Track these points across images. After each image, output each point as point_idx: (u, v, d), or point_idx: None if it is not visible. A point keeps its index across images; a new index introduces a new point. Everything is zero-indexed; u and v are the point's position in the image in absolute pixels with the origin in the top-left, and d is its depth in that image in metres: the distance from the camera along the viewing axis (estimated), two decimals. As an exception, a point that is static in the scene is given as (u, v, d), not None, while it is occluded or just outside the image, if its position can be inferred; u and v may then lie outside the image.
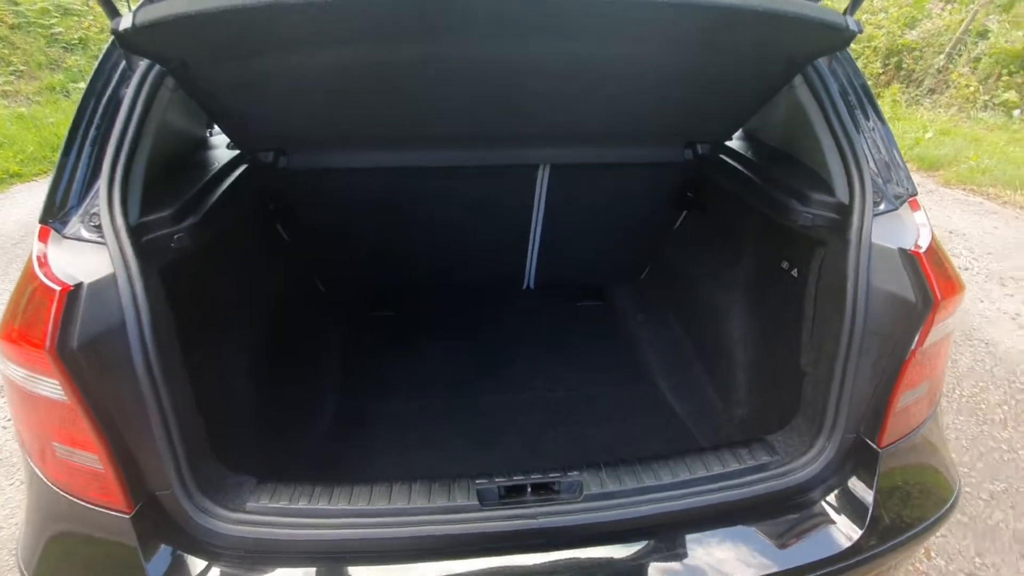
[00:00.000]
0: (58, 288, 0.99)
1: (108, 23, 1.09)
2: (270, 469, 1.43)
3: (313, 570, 1.03)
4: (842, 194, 1.27)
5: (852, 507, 1.14)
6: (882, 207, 1.23)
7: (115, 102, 1.21)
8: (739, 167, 1.69)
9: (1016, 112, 6.28)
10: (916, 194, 1.27)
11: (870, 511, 1.13)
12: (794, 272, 1.51)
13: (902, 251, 1.15)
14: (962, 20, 6.96)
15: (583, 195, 2.01)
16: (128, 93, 1.19)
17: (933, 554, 1.96)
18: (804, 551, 1.10)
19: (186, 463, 1.06)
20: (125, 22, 0.95)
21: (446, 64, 1.23)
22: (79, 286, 1.00)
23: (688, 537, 1.11)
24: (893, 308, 1.14)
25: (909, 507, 1.19)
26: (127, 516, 1.03)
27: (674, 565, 1.09)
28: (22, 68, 7.06)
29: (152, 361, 1.01)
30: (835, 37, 1.11)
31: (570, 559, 1.07)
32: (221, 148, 1.64)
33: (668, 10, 1.00)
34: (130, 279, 1.01)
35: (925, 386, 1.20)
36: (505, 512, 1.08)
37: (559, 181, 1.93)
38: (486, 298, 2.40)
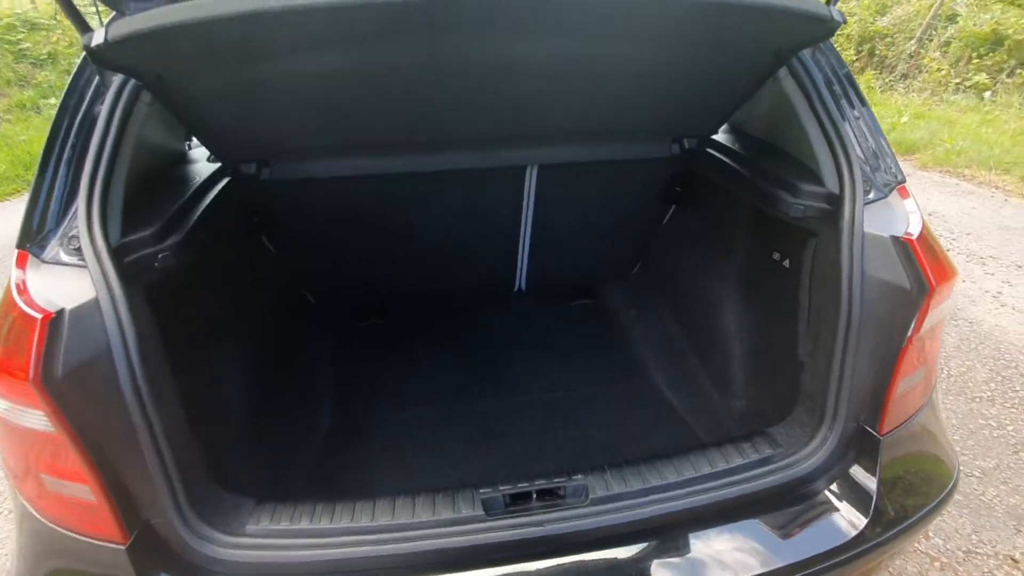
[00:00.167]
0: (39, 316, 0.95)
1: (78, 37, 1.05)
2: (268, 487, 1.40)
3: None
4: (832, 184, 1.27)
5: (856, 496, 1.15)
6: (872, 195, 1.23)
7: (90, 119, 1.17)
8: (727, 160, 1.69)
9: (987, 94, 6.41)
10: (904, 181, 1.28)
11: (874, 499, 1.13)
12: (786, 263, 1.52)
13: (894, 239, 1.16)
14: (931, 5, 7.08)
15: (572, 194, 2.00)
16: (103, 110, 1.15)
17: (931, 534, 1.99)
18: (811, 542, 1.10)
19: (181, 488, 1.03)
20: (97, 38, 0.92)
21: (429, 68, 1.21)
22: (61, 313, 0.96)
23: (696, 535, 1.11)
24: (888, 296, 1.14)
25: (911, 493, 1.20)
26: (122, 547, 0.99)
27: (683, 564, 1.09)
28: (-10, 86, 6.89)
29: (141, 386, 0.98)
30: (819, 28, 1.11)
31: (579, 564, 1.06)
32: (202, 161, 1.61)
33: (655, 7, 0.99)
34: (114, 303, 0.98)
35: (922, 371, 1.21)
36: (511, 521, 1.06)
37: (547, 181, 1.92)
38: (478, 302, 2.38)
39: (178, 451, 1.04)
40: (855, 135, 1.30)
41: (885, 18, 7.53)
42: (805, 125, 1.35)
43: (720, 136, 1.82)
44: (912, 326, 1.12)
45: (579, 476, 1.15)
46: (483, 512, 1.08)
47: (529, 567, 1.05)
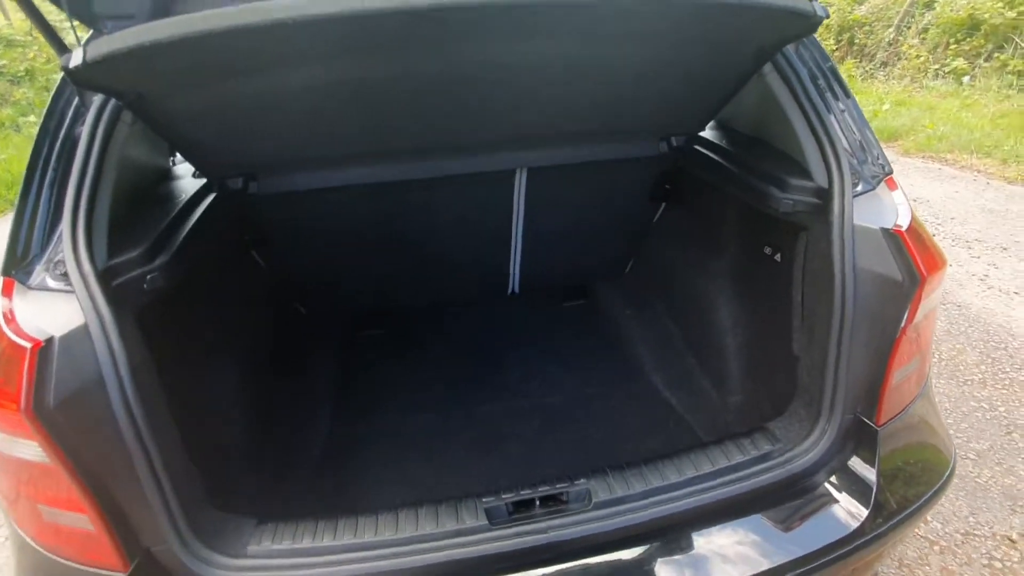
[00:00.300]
0: (28, 345, 0.94)
1: (55, 54, 1.04)
2: (270, 505, 1.39)
3: None
4: (820, 178, 1.28)
5: (856, 487, 1.16)
6: (860, 188, 1.24)
7: (71, 141, 1.15)
8: (715, 157, 1.70)
9: (966, 78, 6.49)
10: (892, 172, 1.29)
11: (874, 490, 1.14)
12: (777, 257, 1.53)
13: (884, 231, 1.17)
14: (907, -8, 7.16)
15: (561, 195, 2.00)
16: (84, 130, 1.13)
17: (929, 518, 2.01)
18: (815, 536, 1.11)
19: (180, 513, 1.02)
20: (75, 58, 0.90)
21: (415, 76, 1.20)
22: (50, 341, 0.95)
23: (700, 534, 1.11)
24: (880, 288, 1.15)
25: (910, 481, 1.22)
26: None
27: (689, 563, 1.09)
28: (-34, 105, 6.79)
29: (135, 412, 0.97)
30: (802, 24, 1.12)
31: (585, 569, 1.06)
32: (187, 177, 1.59)
33: (640, 9, 0.99)
34: (103, 328, 0.97)
35: (916, 361, 1.22)
36: (515, 529, 1.06)
37: (536, 184, 1.92)
38: (472, 307, 2.38)
39: (176, 475, 1.02)
40: (841, 128, 1.31)
41: (863, 7, 7.61)
42: (791, 120, 1.36)
43: (707, 133, 1.82)
44: (905, 317, 1.13)
45: (581, 480, 1.15)
46: (487, 521, 1.07)
47: (535, 575, 1.04)
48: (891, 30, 7.22)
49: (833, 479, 1.18)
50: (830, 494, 1.16)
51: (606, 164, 1.86)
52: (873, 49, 7.38)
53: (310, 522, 1.11)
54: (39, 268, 1.04)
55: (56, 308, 1.00)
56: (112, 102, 1.16)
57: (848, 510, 1.13)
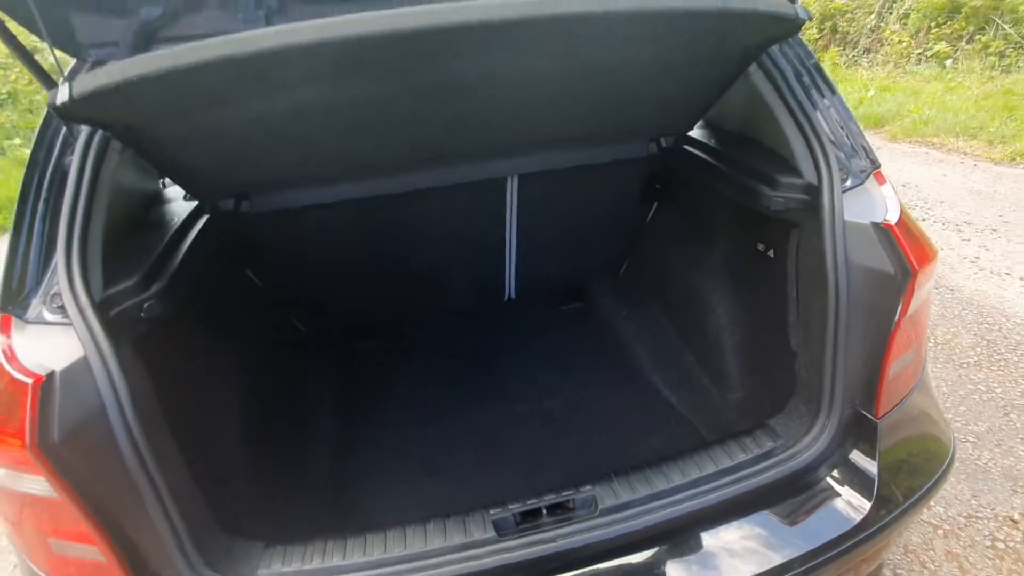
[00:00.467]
0: (30, 380, 0.94)
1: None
2: (277, 527, 1.39)
3: None
4: (809, 175, 1.29)
5: (858, 480, 1.17)
6: (849, 183, 1.26)
7: (61, 172, 1.15)
8: (704, 156, 1.71)
9: (948, 62, 6.54)
10: (880, 166, 1.31)
11: (876, 482, 1.15)
12: (770, 253, 1.54)
13: (875, 225, 1.18)
14: (887, -22, 7.21)
15: (553, 200, 2.01)
16: (74, 161, 1.13)
17: (932, 503, 2.03)
18: (820, 530, 1.12)
19: (189, 539, 1.02)
20: (62, 95, 0.90)
21: (401, 93, 1.21)
22: (51, 375, 0.95)
23: (707, 534, 1.12)
24: (873, 282, 1.16)
25: (911, 471, 1.23)
26: (135, 604, 0.99)
27: (697, 564, 1.10)
28: (-53, 130, 6.73)
29: (138, 441, 0.97)
30: (786, 26, 1.14)
31: (595, 575, 1.07)
32: (178, 200, 1.58)
33: (623, 18, 1.00)
34: (103, 359, 0.97)
35: (912, 352, 1.24)
36: (524, 540, 1.07)
37: (528, 190, 1.93)
38: (469, 315, 2.38)
39: (182, 502, 1.03)
40: (827, 124, 1.32)
41: (844, -6, 7.66)
42: (778, 117, 1.37)
43: (696, 132, 1.84)
44: (899, 310, 1.14)
45: (587, 487, 1.16)
46: (495, 533, 1.08)
47: None
48: (872, 16, 7.27)
49: (835, 473, 1.19)
50: (833, 488, 1.17)
51: (596, 167, 1.87)
52: (856, 36, 7.42)
53: (319, 542, 1.11)
54: (35, 302, 1.04)
55: (55, 341, 1.00)
56: (100, 131, 1.16)
57: (851, 503, 1.14)
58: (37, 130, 1.22)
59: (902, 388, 1.24)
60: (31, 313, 1.03)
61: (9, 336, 1.02)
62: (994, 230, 3.82)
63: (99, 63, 1.26)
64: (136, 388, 0.99)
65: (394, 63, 1.06)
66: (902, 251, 1.14)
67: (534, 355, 2.18)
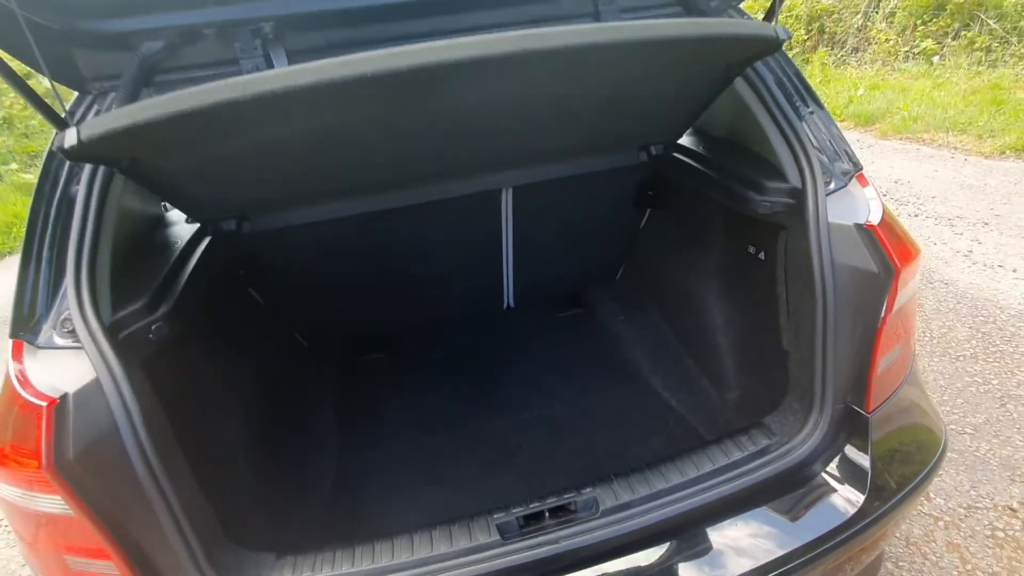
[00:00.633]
0: (44, 404, 0.97)
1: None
2: (287, 538, 1.41)
3: None
4: (794, 179, 1.33)
5: (852, 474, 1.20)
6: (832, 186, 1.30)
7: (67, 201, 1.18)
8: (693, 163, 1.75)
9: (936, 58, 6.61)
10: (862, 168, 1.35)
11: (869, 474, 1.18)
12: (761, 255, 1.58)
13: (858, 226, 1.22)
14: (872, -22, 7.30)
15: (547, 209, 2.05)
16: (80, 190, 1.17)
17: (932, 495, 2.05)
18: (815, 524, 1.15)
19: (202, 553, 1.05)
20: (70, 139, 0.92)
21: (401, 120, 1.25)
22: (65, 397, 0.98)
23: (706, 531, 1.15)
24: (859, 281, 1.20)
25: (904, 463, 1.26)
26: (152, 618, 1.01)
27: (697, 560, 1.13)
28: (-57, 157, 6.76)
29: (150, 457, 1.00)
30: (766, 46, 1.18)
31: (599, 574, 1.10)
32: (180, 223, 1.62)
33: (614, 48, 1.03)
34: (115, 381, 1.00)
35: (900, 347, 1.27)
36: (527, 542, 1.10)
37: (522, 200, 1.97)
38: (469, 324, 2.41)
39: (194, 516, 1.06)
40: (810, 130, 1.36)
41: (830, -5, 7.75)
42: (763, 124, 1.41)
43: (685, 139, 1.88)
44: (884, 307, 1.18)
45: (588, 489, 1.19)
46: (499, 537, 1.11)
47: None
48: (859, 16, 7.35)
49: (830, 467, 1.22)
50: (828, 482, 1.20)
51: (588, 176, 1.91)
52: (843, 36, 7.50)
53: (328, 552, 1.14)
54: (46, 327, 1.08)
55: (66, 365, 1.03)
56: None
57: (846, 496, 1.17)
58: (43, 161, 1.26)
59: (892, 382, 1.27)
60: (42, 338, 1.07)
61: (21, 361, 1.05)
62: (986, 223, 3.86)
63: (102, 95, 1.30)
64: (146, 407, 1.03)
65: (393, 97, 1.10)
66: (885, 250, 1.18)
67: (535, 362, 2.22)
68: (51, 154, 1.26)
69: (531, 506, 1.16)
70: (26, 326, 1.08)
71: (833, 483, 1.20)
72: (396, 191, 1.74)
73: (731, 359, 1.78)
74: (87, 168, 1.19)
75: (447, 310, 2.37)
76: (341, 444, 1.91)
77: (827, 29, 7.65)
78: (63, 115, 1.09)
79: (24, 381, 1.02)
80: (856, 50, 7.33)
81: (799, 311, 1.33)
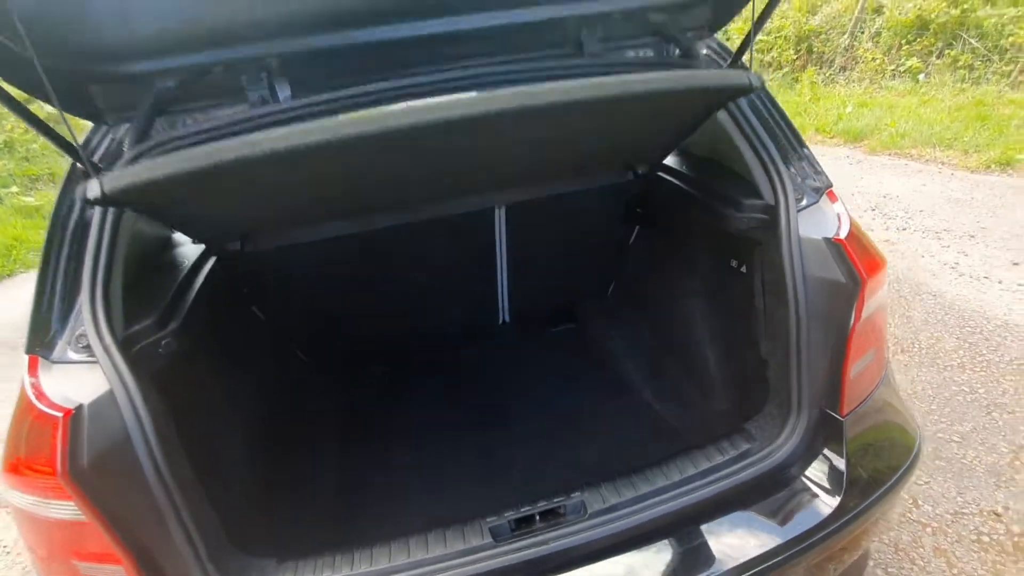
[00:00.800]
0: (60, 414, 1.03)
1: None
2: (288, 544, 1.46)
3: None
4: (768, 196, 1.41)
5: (828, 475, 1.25)
6: (804, 202, 1.37)
7: (83, 225, 1.25)
8: (676, 182, 1.84)
9: (921, 76, 6.77)
10: (832, 186, 1.43)
11: (844, 476, 1.24)
12: (743, 269, 1.65)
13: (827, 240, 1.30)
14: (857, 0, 7.50)
15: (540, 226, 2.13)
16: (95, 214, 1.24)
17: (920, 502, 2.10)
18: (793, 524, 1.20)
19: (207, 557, 1.10)
20: (93, 191, 0.99)
21: (401, 162, 1.33)
22: (80, 408, 1.04)
23: (690, 531, 1.20)
24: (828, 292, 1.27)
25: (879, 464, 1.31)
26: (159, 621, 1.06)
27: (682, 560, 1.18)
28: (-56, 180, 6.84)
29: (160, 464, 1.06)
30: (741, 92, 1.28)
31: (588, 572, 1.14)
32: (188, 243, 1.70)
33: (597, 102, 1.12)
34: (127, 392, 1.06)
35: (872, 353, 1.33)
36: (518, 544, 1.15)
37: (515, 217, 2.05)
38: (465, 339, 2.48)
39: (200, 522, 1.11)
40: (780, 150, 1.44)
41: (817, 17, 7.95)
42: (739, 146, 1.50)
43: (669, 159, 1.97)
44: (853, 316, 1.25)
45: (577, 493, 1.24)
46: (491, 539, 1.16)
47: None
48: (846, 36, 7.54)
49: (807, 470, 1.28)
50: (805, 484, 1.25)
51: (579, 193, 2.00)
52: (831, 55, 7.69)
53: (328, 556, 1.19)
54: (61, 343, 1.14)
55: (80, 378, 1.09)
56: None
57: (823, 497, 1.23)
58: (59, 189, 1.33)
59: (865, 387, 1.33)
60: (56, 354, 1.13)
61: (37, 376, 1.12)
62: (972, 236, 3.94)
63: (117, 125, 1.38)
64: (156, 417, 1.09)
65: (395, 148, 1.18)
66: (852, 263, 1.25)
67: (529, 375, 2.27)
68: (67, 181, 1.34)
69: (522, 510, 1.21)
70: (42, 342, 1.14)
71: (810, 484, 1.25)
72: (394, 211, 1.83)
73: (717, 370, 1.84)
74: None
75: (444, 325, 2.44)
76: (340, 454, 1.96)
77: (815, 49, 7.84)
78: (77, 144, 1.17)
79: (40, 394, 1.08)
80: (844, 69, 7.50)
81: (775, 321, 1.39)
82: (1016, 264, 3.56)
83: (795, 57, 7.97)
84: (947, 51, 6.67)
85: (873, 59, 7.17)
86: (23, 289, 5.22)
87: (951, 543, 1.92)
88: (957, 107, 5.98)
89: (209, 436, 1.40)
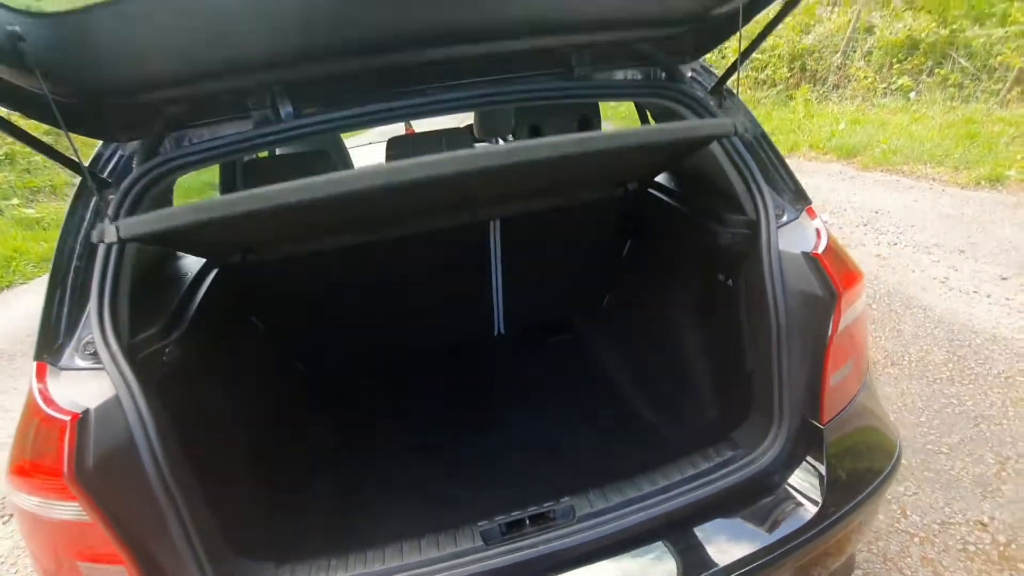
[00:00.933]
0: (67, 418, 1.08)
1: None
2: (284, 548, 1.49)
3: None
4: (751, 213, 1.47)
5: (809, 482, 1.29)
6: (784, 219, 1.43)
7: (91, 239, 1.31)
8: (665, 198, 1.90)
9: (912, 94, 6.90)
10: (811, 203, 1.48)
11: (825, 482, 1.28)
12: (729, 283, 1.70)
13: (805, 254, 1.35)
14: (849, 20, 7.67)
15: (533, 240, 2.19)
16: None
17: (908, 512, 2.13)
18: (775, 528, 1.23)
19: (206, 559, 1.13)
20: (110, 236, 1.06)
21: (404, 196, 1.39)
22: (87, 412, 1.09)
23: (675, 535, 1.24)
24: (807, 304, 1.32)
25: (859, 470, 1.35)
26: (158, 622, 1.09)
27: (667, 563, 1.21)
28: (-54, 192, 6.92)
29: (163, 468, 1.10)
30: (726, 136, 1.37)
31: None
32: (189, 256, 1.75)
33: (596, 152, 1.20)
34: (133, 398, 1.10)
35: (851, 363, 1.38)
36: (509, 547, 1.18)
37: (510, 231, 2.11)
38: (461, 350, 2.52)
39: (200, 525, 1.14)
40: (761, 168, 1.50)
41: (810, 36, 8.12)
42: (723, 165, 1.56)
43: (660, 176, 2.03)
44: (831, 327, 1.29)
45: (566, 498, 1.28)
46: (482, 543, 1.19)
47: None
48: (838, 55, 7.69)
49: (790, 476, 1.32)
50: (787, 490, 1.29)
51: (570, 208, 2.06)
52: (824, 73, 7.84)
53: (323, 560, 1.22)
54: (68, 351, 1.19)
55: (87, 384, 1.14)
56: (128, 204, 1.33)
57: (803, 503, 1.26)
58: (69, 203, 1.39)
59: (845, 396, 1.37)
60: (64, 361, 1.18)
61: (45, 382, 1.16)
62: (962, 251, 4.00)
63: (126, 143, 1.44)
64: (160, 423, 1.13)
65: (401, 194, 1.26)
66: (829, 276, 1.30)
67: (524, 385, 2.32)
68: (77, 196, 1.40)
69: (513, 514, 1.25)
70: (49, 350, 1.19)
71: (792, 491, 1.29)
72: (391, 226, 1.89)
73: (707, 379, 1.88)
74: (111, 211, 1.32)
75: (441, 336, 2.48)
76: (337, 462, 1.99)
77: (809, 67, 7.99)
78: (83, 165, 1.22)
79: (47, 399, 1.13)
80: (837, 87, 7.64)
81: (757, 332, 1.44)
82: (1005, 279, 3.62)
83: (789, 75, 8.13)
84: (937, 70, 6.81)
85: (865, 77, 7.32)
86: (22, 300, 5.28)
87: (938, 553, 1.95)
88: (947, 124, 6.09)
89: (209, 442, 1.44)
